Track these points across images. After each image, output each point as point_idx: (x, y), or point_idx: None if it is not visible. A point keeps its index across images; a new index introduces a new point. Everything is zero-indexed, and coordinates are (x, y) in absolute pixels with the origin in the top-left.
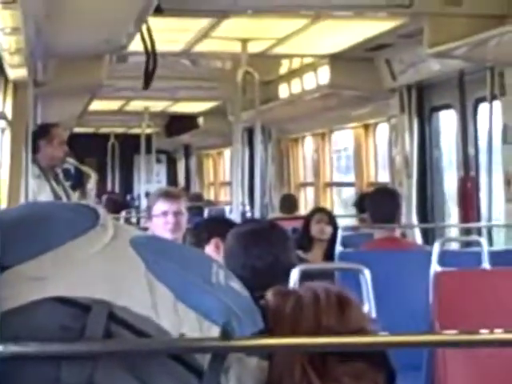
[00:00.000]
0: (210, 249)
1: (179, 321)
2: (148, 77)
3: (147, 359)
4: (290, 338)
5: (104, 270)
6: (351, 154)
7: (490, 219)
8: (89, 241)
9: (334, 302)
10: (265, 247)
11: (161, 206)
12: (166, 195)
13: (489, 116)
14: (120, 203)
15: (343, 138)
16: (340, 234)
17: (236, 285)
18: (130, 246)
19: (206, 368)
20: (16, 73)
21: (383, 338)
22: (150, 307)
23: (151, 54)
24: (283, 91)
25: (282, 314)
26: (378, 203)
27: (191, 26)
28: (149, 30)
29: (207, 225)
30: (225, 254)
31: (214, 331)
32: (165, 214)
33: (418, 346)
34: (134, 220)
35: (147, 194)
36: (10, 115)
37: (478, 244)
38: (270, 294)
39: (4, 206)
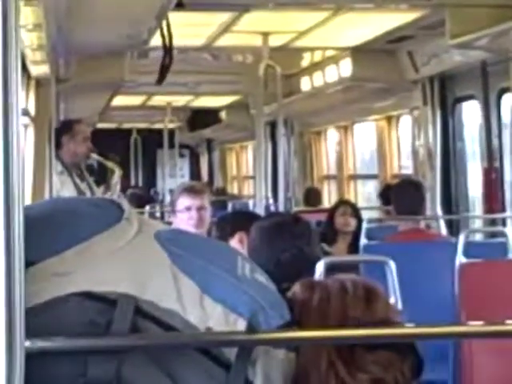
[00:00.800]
0: (234, 242)
1: (206, 314)
2: (163, 72)
3: (174, 353)
4: (315, 330)
5: (129, 264)
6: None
7: None
8: (114, 235)
9: (361, 294)
10: (289, 240)
11: (184, 201)
12: (190, 190)
13: None
14: (144, 198)
15: (364, 133)
16: (364, 226)
17: (261, 278)
18: (154, 240)
19: (233, 361)
20: (38, 69)
21: (409, 329)
22: (175, 301)
23: (168, 49)
24: (305, 84)
25: (309, 306)
26: (402, 195)
27: (212, 21)
28: (168, 24)
29: (231, 218)
30: (249, 248)
31: (241, 324)
32: (188, 209)
33: (444, 337)
34: (158, 214)
35: (171, 189)
36: (33, 112)
37: (503, 234)
38: (297, 286)
39: (28, 202)
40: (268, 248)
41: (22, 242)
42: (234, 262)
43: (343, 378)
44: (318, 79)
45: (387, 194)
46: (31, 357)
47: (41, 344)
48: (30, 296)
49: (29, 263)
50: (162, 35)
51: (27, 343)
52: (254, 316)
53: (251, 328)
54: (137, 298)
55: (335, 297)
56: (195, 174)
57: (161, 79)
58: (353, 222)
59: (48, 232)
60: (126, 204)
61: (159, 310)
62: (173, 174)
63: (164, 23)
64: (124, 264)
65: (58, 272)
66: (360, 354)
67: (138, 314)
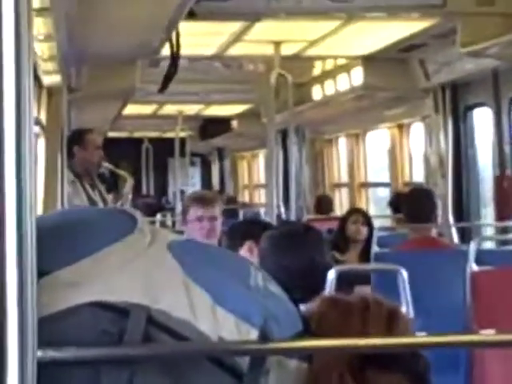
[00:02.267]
0: (243, 252)
1: (218, 324)
2: (167, 81)
3: (187, 363)
4: (329, 339)
5: (142, 275)
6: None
7: None
8: (127, 246)
9: (383, 314)
10: (299, 249)
11: (195, 211)
12: (201, 200)
13: None
14: (155, 206)
15: (376, 141)
16: (376, 234)
17: (274, 288)
18: (167, 250)
19: (246, 371)
20: (50, 79)
21: (421, 338)
22: (188, 311)
23: (174, 59)
24: (316, 93)
25: (328, 321)
26: (413, 203)
27: (224, 30)
28: (177, 34)
29: (241, 227)
30: (260, 257)
31: (253, 334)
32: (199, 219)
33: (455, 346)
34: (169, 223)
35: (182, 193)
36: (44, 121)
37: None
38: (317, 301)
39: (40, 212)
40: (278, 257)
41: (35, 253)
42: (246, 271)
43: None
44: (329, 88)
45: (397, 203)
46: (43, 367)
47: (53, 354)
48: (43, 306)
49: (42, 273)
50: (171, 44)
51: (39, 353)
52: (266, 326)
53: (264, 337)
54: (149, 308)
55: (356, 314)
56: (206, 182)
57: (163, 88)
58: (364, 230)
59: (61, 242)
60: (139, 214)
61: (171, 320)
62: (184, 183)
63: (173, 32)
64: (137, 274)
65: (70, 282)
66: (372, 375)
67: (150, 324)
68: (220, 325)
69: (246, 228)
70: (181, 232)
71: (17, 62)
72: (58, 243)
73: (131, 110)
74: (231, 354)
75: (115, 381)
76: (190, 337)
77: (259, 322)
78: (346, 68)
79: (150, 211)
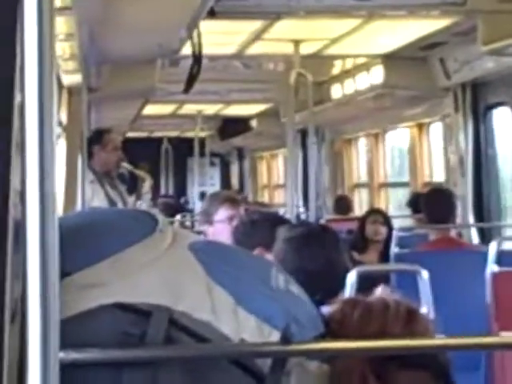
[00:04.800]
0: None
1: (239, 326)
2: (191, 81)
3: (208, 365)
4: (350, 341)
5: (163, 276)
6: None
7: None
8: (148, 247)
9: (402, 314)
10: (317, 250)
11: (226, 211)
12: (231, 200)
13: None
14: (174, 207)
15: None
16: (395, 234)
17: (295, 289)
18: (188, 251)
19: (267, 373)
20: (70, 79)
21: (441, 340)
22: (210, 312)
23: (197, 59)
24: (336, 92)
25: (348, 321)
26: (433, 203)
27: (244, 29)
28: (198, 33)
29: (246, 231)
30: (276, 258)
31: (275, 336)
32: (231, 219)
33: (475, 348)
34: (188, 223)
35: (202, 196)
36: (64, 121)
37: None
38: (338, 303)
39: (60, 212)
40: (296, 258)
41: (57, 254)
42: (267, 273)
43: None
44: (349, 87)
45: (416, 203)
46: (65, 368)
47: (75, 355)
48: (64, 307)
49: (63, 274)
50: (193, 44)
51: (61, 354)
52: (288, 327)
53: (285, 339)
54: (171, 309)
55: (377, 313)
56: (226, 182)
57: (188, 88)
58: (383, 231)
59: (82, 243)
60: (160, 215)
61: (193, 321)
62: (203, 183)
63: (195, 32)
64: (158, 275)
65: (91, 283)
66: (393, 371)
67: (171, 325)
68: (242, 326)
69: (252, 233)
70: (200, 233)
71: (40, 61)
72: (79, 244)
73: (150, 109)
74: (252, 355)
75: (137, 382)
76: (212, 338)
77: (281, 324)
78: (365, 66)
79: (169, 211)
